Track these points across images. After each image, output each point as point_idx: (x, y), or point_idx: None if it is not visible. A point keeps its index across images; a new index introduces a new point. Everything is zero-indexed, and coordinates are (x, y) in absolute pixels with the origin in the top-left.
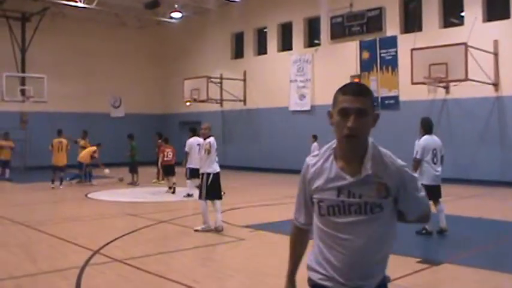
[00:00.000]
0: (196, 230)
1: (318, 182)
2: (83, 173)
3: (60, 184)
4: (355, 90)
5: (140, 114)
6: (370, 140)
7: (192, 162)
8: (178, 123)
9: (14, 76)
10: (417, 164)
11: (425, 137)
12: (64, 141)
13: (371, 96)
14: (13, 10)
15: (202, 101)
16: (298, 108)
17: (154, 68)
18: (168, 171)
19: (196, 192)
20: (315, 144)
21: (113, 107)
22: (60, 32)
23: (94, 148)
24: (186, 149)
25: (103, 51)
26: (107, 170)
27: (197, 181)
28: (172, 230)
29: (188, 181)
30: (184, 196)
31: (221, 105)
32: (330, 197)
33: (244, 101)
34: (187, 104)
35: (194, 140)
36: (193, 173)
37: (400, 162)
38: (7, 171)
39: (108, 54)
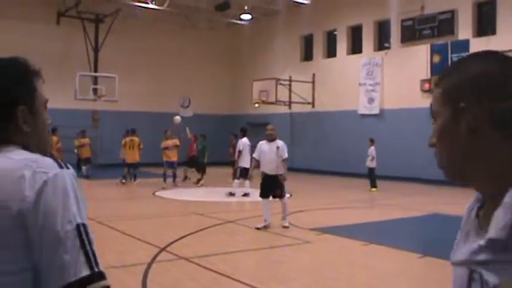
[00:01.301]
0: (257, 228)
1: None
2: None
3: (134, 180)
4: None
5: (209, 114)
6: None
7: (244, 162)
8: (246, 124)
9: (87, 75)
10: None
11: None
12: (136, 139)
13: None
14: (87, 12)
15: (271, 103)
16: (367, 112)
17: (223, 69)
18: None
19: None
20: (372, 148)
21: (182, 107)
22: (131, 33)
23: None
24: (240, 148)
25: (173, 51)
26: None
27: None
28: (238, 230)
29: (236, 180)
30: (226, 194)
31: (289, 108)
32: None
33: (313, 103)
34: (256, 105)
35: (246, 140)
36: (244, 173)
37: None
38: (84, 168)
39: (178, 54)
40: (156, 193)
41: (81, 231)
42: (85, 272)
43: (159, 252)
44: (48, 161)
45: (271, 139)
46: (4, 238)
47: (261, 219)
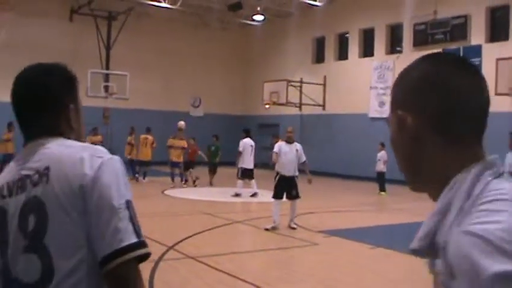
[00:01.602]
0: (266, 229)
1: None
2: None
3: (144, 178)
4: None
5: (219, 114)
6: None
7: (245, 163)
8: (257, 125)
9: (98, 73)
10: None
11: None
12: (150, 137)
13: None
14: (100, 9)
15: (281, 104)
16: (378, 115)
17: (234, 69)
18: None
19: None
20: (383, 152)
21: (192, 106)
22: (144, 31)
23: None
24: (240, 149)
25: (185, 50)
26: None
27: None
28: (246, 230)
29: (239, 181)
30: (232, 196)
31: (300, 109)
32: None
33: (324, 105)
34: (266, 106)
35: (248, 141)
36: (245, 173)
37: None
38: None
39: (189, 54)
40: (165, 192)
41: (130, 205)
42: (134, 239)
43: (167, 250)
44: (101, 148)
45: (291, 141)
46: (66, 206)
47: (269, 219)
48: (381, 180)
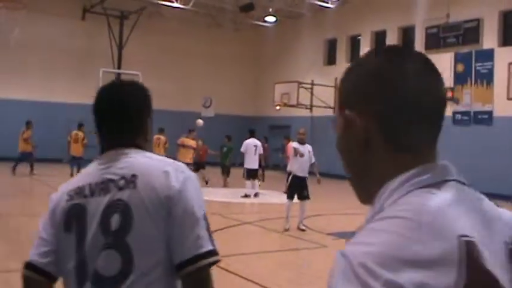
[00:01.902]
0: (286, 230)
1: None
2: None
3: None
4: None
5: (230, 115)
6: None
7: (248, 163)
8: (267, 127)
9: (110, 72)
10: None
11: None
12: (162, 138)
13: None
14: (113, 8)
15: (292, 106)
16: None
17: (246, 70)
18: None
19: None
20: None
21: (203, 106)
22: (156, 31)
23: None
24: (242, 149)
25: (197, 51)
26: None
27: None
28: (256, 231)
29: (247, 182)
30: (241, 196)
31: (311, 111)
32: None
33: (335, 108)
34: (277, 108)
35: (251, 141)
36: (250, 173)
37: None
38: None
39: (201, 54)
40: None
41: (206, 217)
42: (210, 246)
43: None
44: (181, 164)
45: (303, 142)
46: (151, 211)
47: (280, 221)
48: None
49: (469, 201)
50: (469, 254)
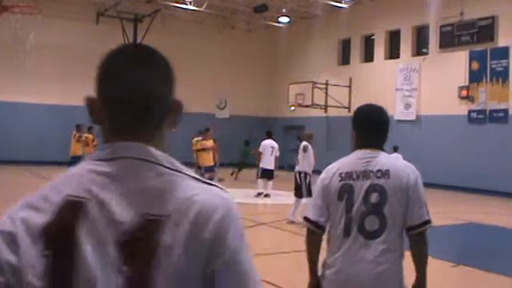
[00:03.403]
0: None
1: None
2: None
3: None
4: None
5: (245, 116)
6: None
7: (264, 163)
8: (282, 127)
9: None
10: None
11: None
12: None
13: None
14: (126, 12)
15: (307, 106)
16: (403, 118)
17: (260, 71)
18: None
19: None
20: (394, 154)
21: (218, 108)
22: (170, 33)
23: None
24: (260, 149)
25: (211, 52)
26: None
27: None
28: (270, 232)
29: (259, 180)
30: (255, 196)
31: (325, 112)
32: None
33: (349, 108)
34: (292, 108)
35: (268, 142)
36: (264, 173)
37: None
38: None
39: (215, 55)
40: None
41: (425, 200)
42: (427, 217)
43: None
44: (412, 166)
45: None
46: (399, 195)
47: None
48: None
49: (124, 175)
50: (63, 207)
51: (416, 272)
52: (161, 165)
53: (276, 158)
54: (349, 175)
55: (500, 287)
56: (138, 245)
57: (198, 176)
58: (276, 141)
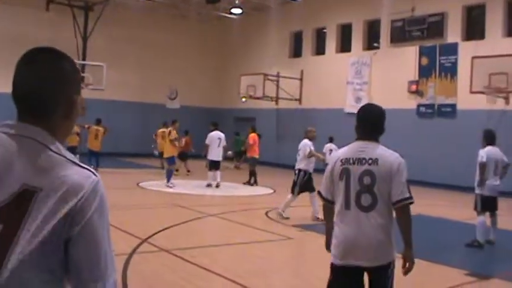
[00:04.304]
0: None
1: None
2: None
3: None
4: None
5: (196, 107)
6: None
7: (212, 155)
8: (233, 119)
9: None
10: (484, 167)
11: (488, 148)
12: (100, 129)
13: None
14: None
15: (258, 98)
16: (354, 111)
17: (212, 62)
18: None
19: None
20: (328, 145)
21: (169, 98)
22: (121, 22)
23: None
24: (207, 141)
25: (162, 42)
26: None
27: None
28: (220, 224)
29: (210, 172)
30: (205, 186)
31: (276, 104)
32: None
33: (300, 100)
34: (243, 100)
35: (215, 134)
36: (213, 165)
37: None
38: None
39: (167, 46)
40: (140, 184)
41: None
42: (407, 194)
43: (141, 243)
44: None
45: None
46: (385, 177)
47: (244, 213)
48: None
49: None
50: None
51: (403, 238)
52: (48, 148)
53: (224, 148)
54: (347, 160)
55: (444, 277)
56: (13, 208)
57: (76, 161)
58: (224, 132)
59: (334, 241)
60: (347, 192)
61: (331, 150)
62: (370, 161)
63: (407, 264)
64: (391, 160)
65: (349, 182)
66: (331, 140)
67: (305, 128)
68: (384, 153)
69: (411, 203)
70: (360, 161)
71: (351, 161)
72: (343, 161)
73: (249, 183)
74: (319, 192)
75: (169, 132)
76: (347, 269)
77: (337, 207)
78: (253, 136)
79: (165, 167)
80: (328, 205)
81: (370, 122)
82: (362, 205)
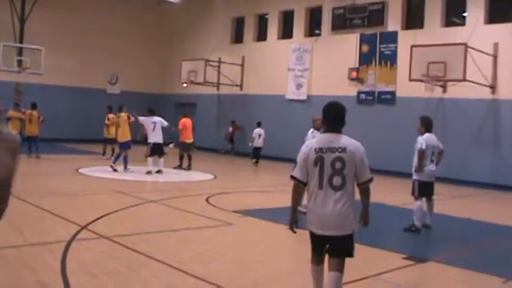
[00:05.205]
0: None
1: None
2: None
3: (36, 154)
4: None
5: (136, 92)
6: None
7: (151, 138)
8: (174, 104)
9: (11, 46)
10: (423, 154)
11: (427, 135)
12: (35, 113)
13: None
14: None
15: (199, 84)
16: (295, 97)
17: (153, 47)
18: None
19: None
20: (257, 130)
21: (109, 83)
22: (60, 6)
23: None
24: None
25: (102, 27)
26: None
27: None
28: (160, 210)
29: (150, 158)
30: (145, 173)
31: (218, 89)
32: None
33: (241, 86)
34: (184, 85)
35: (149, 118)
36: (156, 149)
37: None
38: None
39: (107, 30)
40: (79, 170)
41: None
42: (370, 176)
43: (80, 230)
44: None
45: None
46: (352, 162)
47: (184, 199)
48: (259, 154)
49: None
50: None
51: (363, 204)
52: None
53: (166, 129)
54: (321, 149)
55: (383, 261)
56: None
57: None
58: (163, 116)
59: (310, 215)
60: (321, 175)
61: (260, 135)
62: (339, 149)
63: (364, 220)
64: (356, 148)
65: (323, 167)
66: (259, 125)
67: (247, 113)
68: (349, 143)
69: (371, 181)
70: (331, 149)
71: (324, 150)
72: (316, 150)
73: (180, 167)
74: (293, 177)
75: (129, 116)
76: (321, 237)
77: (310, 188)
78: (183, 121)
79: (115, 152)
80: (301, 186)
81: (337, 117)
82: (334, 185)
